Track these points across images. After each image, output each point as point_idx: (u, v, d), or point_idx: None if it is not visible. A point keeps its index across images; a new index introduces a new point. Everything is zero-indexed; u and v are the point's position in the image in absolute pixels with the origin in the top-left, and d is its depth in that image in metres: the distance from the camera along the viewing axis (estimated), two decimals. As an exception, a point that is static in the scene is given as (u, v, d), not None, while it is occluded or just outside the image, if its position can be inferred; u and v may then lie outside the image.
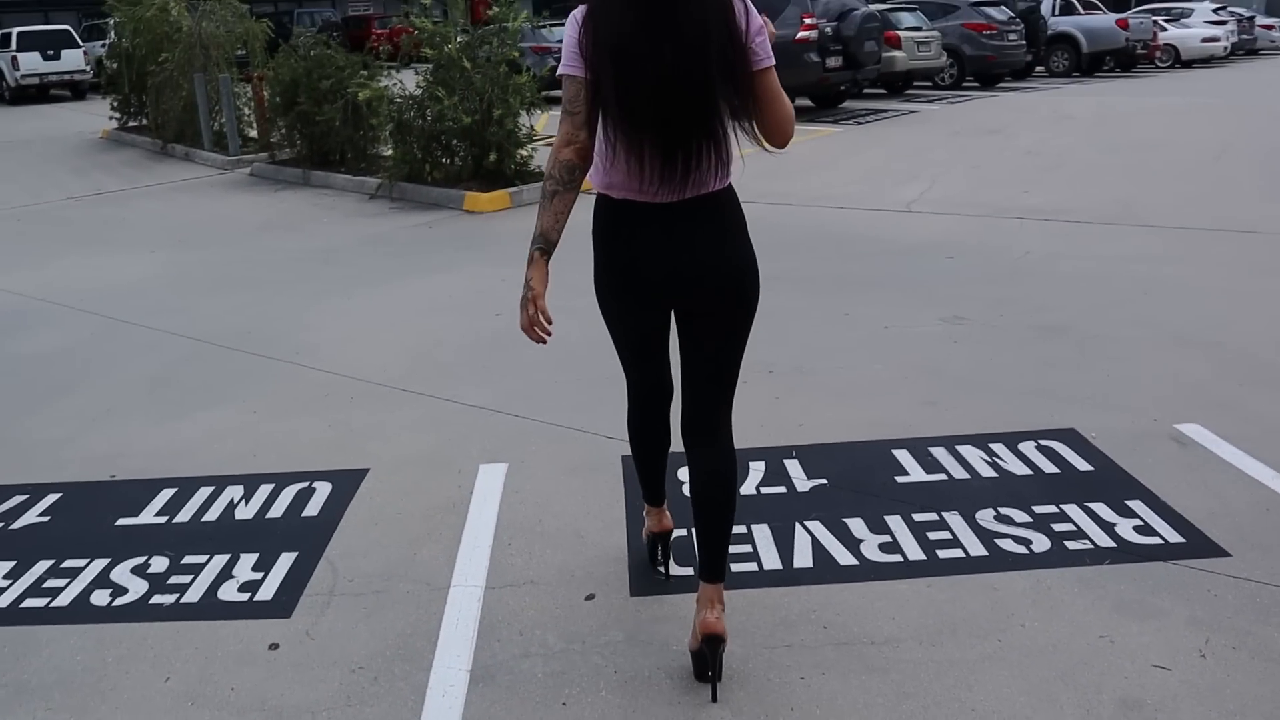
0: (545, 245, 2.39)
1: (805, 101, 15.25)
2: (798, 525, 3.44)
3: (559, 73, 2.30)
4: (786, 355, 5.14)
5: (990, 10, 18.68)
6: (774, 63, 2.30)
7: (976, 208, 8.76)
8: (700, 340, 2.47)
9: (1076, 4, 22.02)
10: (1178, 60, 24.00)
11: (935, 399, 4.57)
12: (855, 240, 7.72)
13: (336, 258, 7.77)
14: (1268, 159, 10.79)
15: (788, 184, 9.79)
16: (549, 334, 2.41)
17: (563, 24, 10.20)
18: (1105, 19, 21.94)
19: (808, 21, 13.90)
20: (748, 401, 4.55)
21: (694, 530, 2.60)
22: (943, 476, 3.77)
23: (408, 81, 10.35)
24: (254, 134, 13.16)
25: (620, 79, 2.20)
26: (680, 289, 2.39)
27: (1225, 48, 24.82)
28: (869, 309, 5.97)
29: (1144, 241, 7.50)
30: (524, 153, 9.79)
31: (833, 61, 14.30)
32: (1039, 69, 21.20)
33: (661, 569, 3.07)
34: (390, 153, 10.22)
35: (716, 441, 2.53)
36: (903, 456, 3.94)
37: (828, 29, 14.10)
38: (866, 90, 16.85)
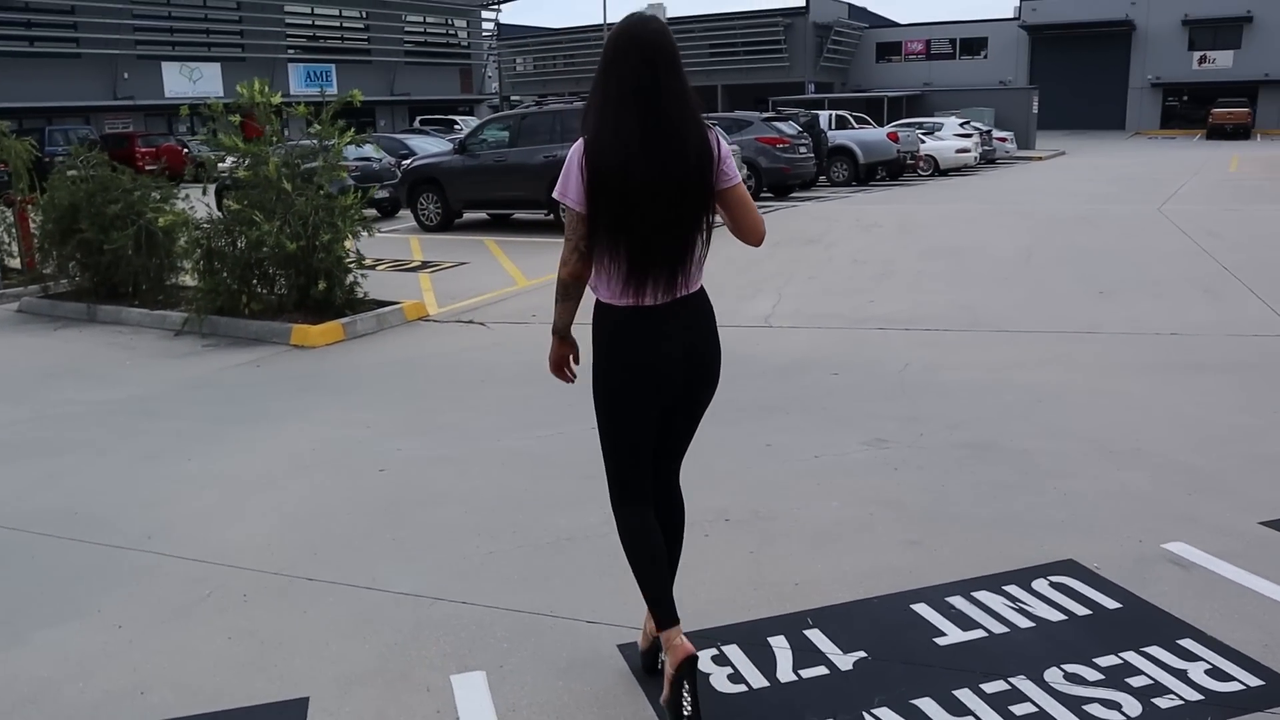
0: (558, 330, 2.89)
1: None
2: (866, 716, 2.91)
3: (555, 196, 2.66)
4: (733, 498, 4.68)
5: (781, 125, 19.52)
6: (740, 179, 2.76)
7: (832, 319, 8.73)
8: (675, 420, 2.90)
9: (850, 119, 23.51)
10: (936, 169, 26.00)
11: (914, 538, 4.21)
12: (729, 360, 7.39)
13: (157, 409, 6.67)
14: (1071, 260, 11.51)
15: (638, 302, 9.48)
16: (574, 375, 2.97)
17: (355, 142, 9.70)
18: (878, 133, 23.54)
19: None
20: (723, 558, 4.05)
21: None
22: (982, 633, 3.39)
23: (198, 204, 9.41)
24: (15, 264, 11.58)
25: (623, 207, 2.56)
26: (681, 378, 2.76)
27: (975, 157, 27.24)
28: (786, 437, 5.62)
29: (1006, 348, 7.63)
30: (353, 280, 8.99)
31: (647, 177, 14.31)
32: (821, 179, 22.33)
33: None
34: (197, 283, 9.14)
35: (677, 491, 3.12)
36: (926, 612, 3.53)
37: (640, 145, 14.14)
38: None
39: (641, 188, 2.56)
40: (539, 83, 63.09)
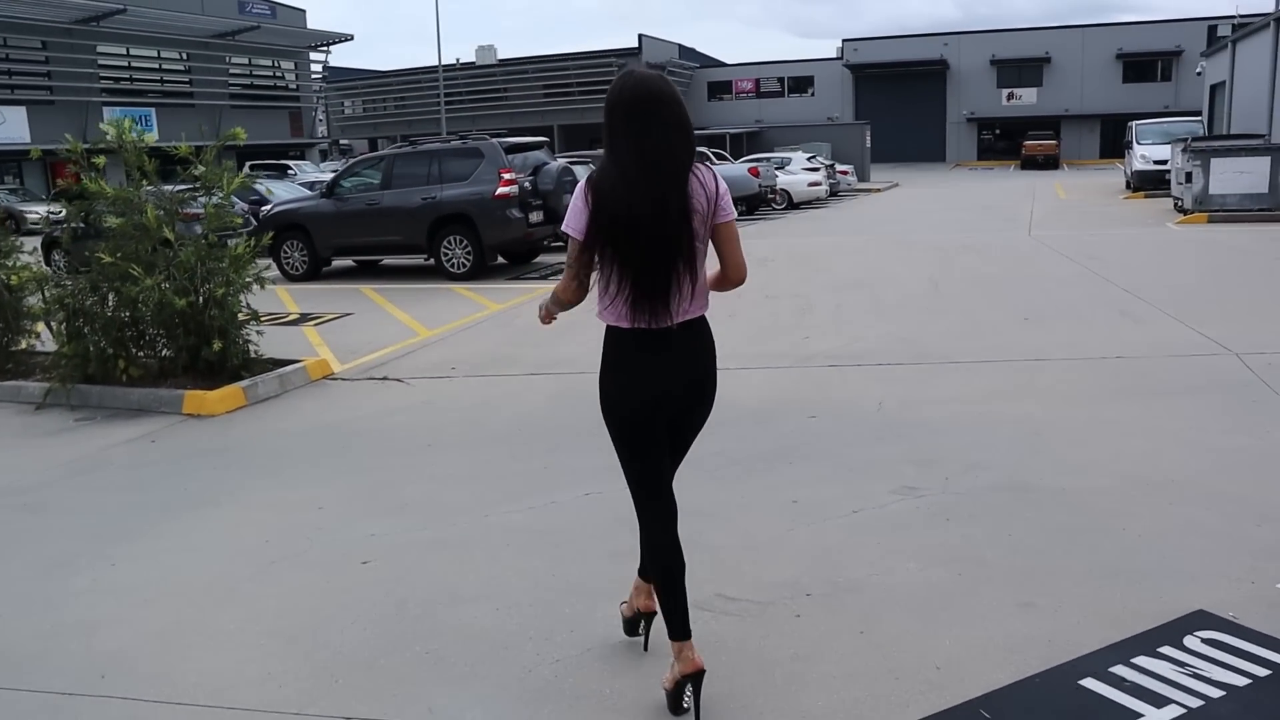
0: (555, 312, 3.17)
1: (503, 260, 14.46)
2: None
3: (564, 229, 2.86)
4: (799, 569, 4.14)
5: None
6: (734, 216, 2.96)
7: (776, 359, 8.31)
8: (677, 438, 3.12)
9: (710, 155, 23.53)
10: (790, 203, 26.37)
11: (1024, 599, 3.76)
12: (699, 405, 6.87)
13: (43, 501, 5.56)
14: (979, 288, 11.56)
15: (568, 349, 8.82)
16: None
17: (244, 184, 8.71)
18: (739, 168, 23.66)
19: (506, 176, 13.23)
20: (836, 644, 3.46)
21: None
22: (1179, 709, 2.98)
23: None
24: None
25: (626, 238, 2.75)
26: (682, 395, 2.96)
27: (825, 190, 27.82)
28: (807, 491, 5.12)
29: (966, 380, 7.38)
30: (250, 337, 7.99)
31: (535, 216, 13.69)
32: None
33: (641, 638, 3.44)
34: (59, 348, 7.92)
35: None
36: (1102, 689, 3.09)
37: (526, 183, 13.51)
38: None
39: (643, 220, 2.75)
40: (369, 125, 61.41)
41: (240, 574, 4.31)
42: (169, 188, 8.16)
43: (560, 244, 15.08)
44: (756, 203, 24.13)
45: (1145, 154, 25.83)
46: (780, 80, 59.35)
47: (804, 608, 3.76)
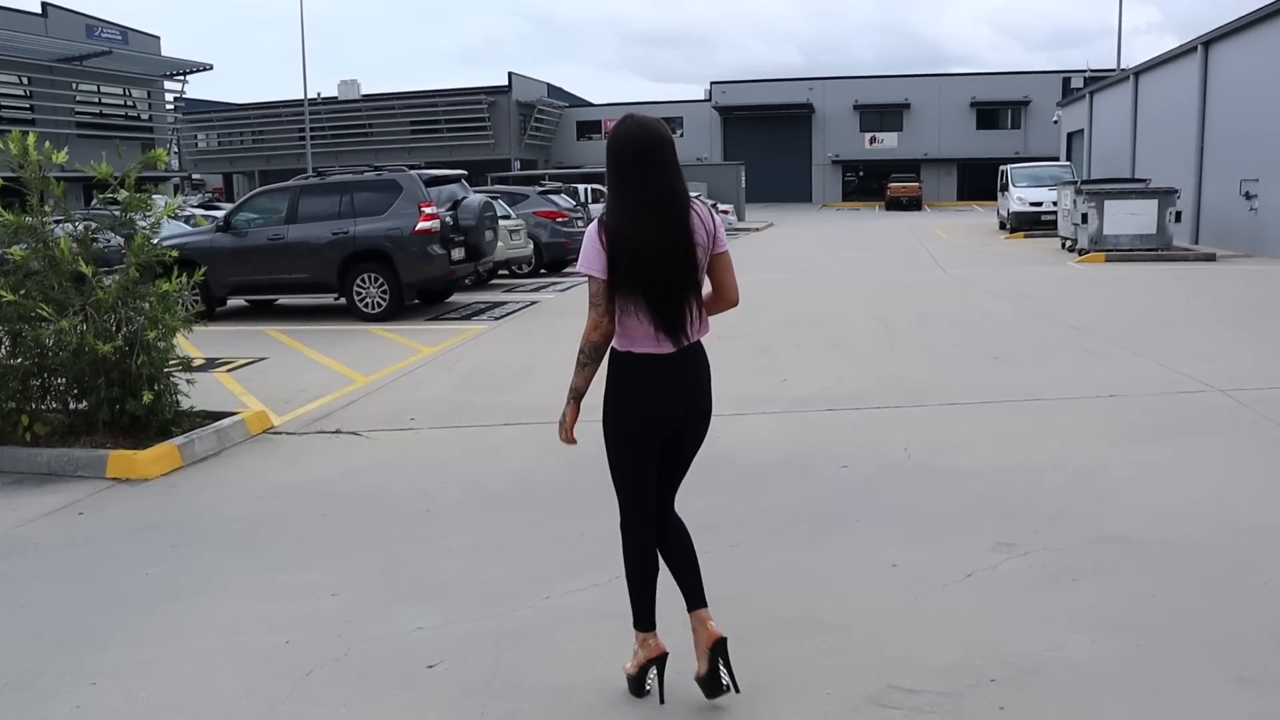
0: (577, 396, 3.14)
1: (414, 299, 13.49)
2: None
3: (580, 270, 3.05)
4: (954, 649, 3.59)
5: (556, 198, 18.61)
6: (728, 247, 3.19)
7: (765, 403, 7.78)
8: (678, 454, 3.26)
9: (580, 191, 22.99)
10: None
11: (1234, 672, 3.31)
12: (713, 461, 6.23)
13: (-38, 598, 4.47)
14: (932, 327, 11.37)
15: (531, 397, 8.08)
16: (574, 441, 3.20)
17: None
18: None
19: (427, 211, 12.34)
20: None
21: (679, 578, 3.25)
22: None
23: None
24: None
25: (643, 272, 2.96)
26: (687, 415, 3.17)
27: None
28: (895, 552, 4.59)
29: (976, 422, 7.06)
30: (180, 387, 6.94)
31: (456, 253, 12.83)
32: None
33: (655, 690, 3.26)
34: None
35: (675, 515, 3.35)
36: None
37: (447, 218, 12.66)
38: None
39: (653, 257, 2.95)
40: (224, 160, 58.72)
41: (273, 691, 3.41)
42: (79, 214, 7.08)
43: (469, 284, 14.23)
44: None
45: (1021, 196, 26.77)
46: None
47: (1000, 697, 3.19)
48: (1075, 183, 20.03)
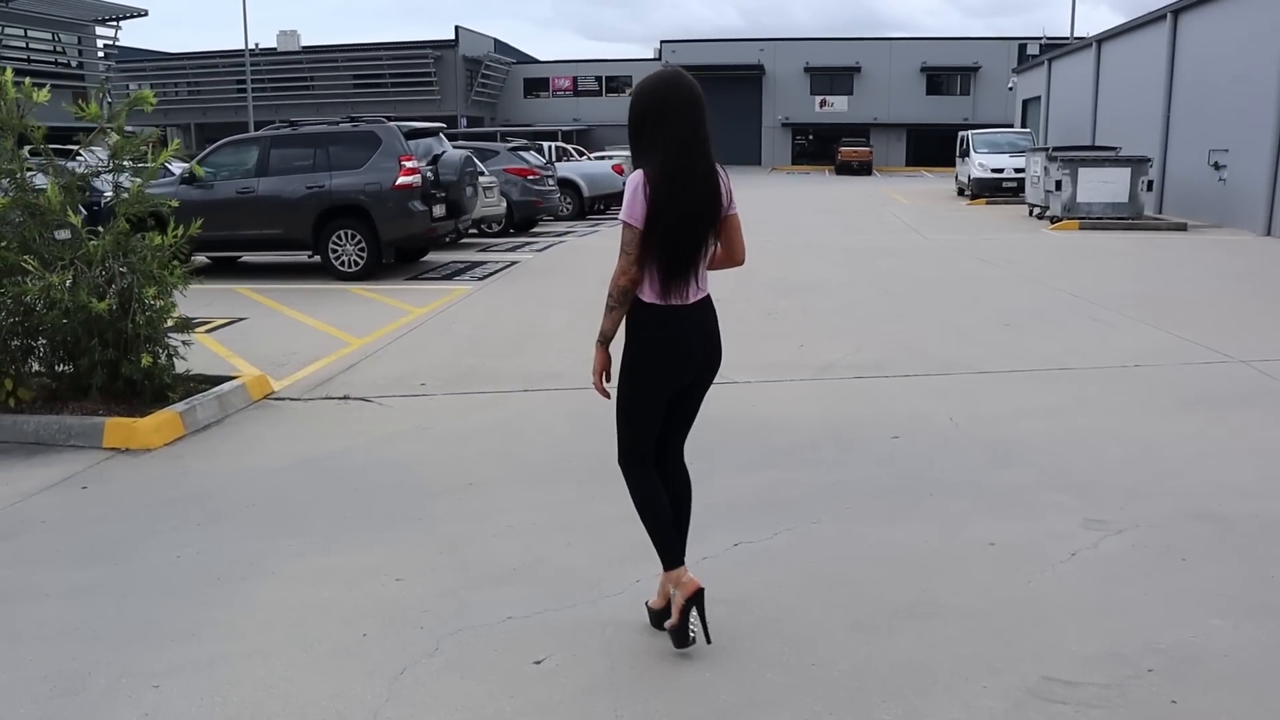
0: (605, 340, 3.19)
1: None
2: None
3: (623, 218, 3.05)
4: (1097, 634, 3.39)
5: (527, 155, 18.05)
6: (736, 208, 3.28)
7: (789, 369, 7.53)
8: (688, 401, 3.35)
9: (571, 150, 22.46)
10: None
11: None
12: (757, 430, 5.97)
13: (-26, 584, 4.01)
14: (932, 293, 11.20)
15: (544, 361, 7.72)
16: (608, 394, 3.26)
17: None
18: (602, 165, 22.69)
19: (408, 165, 11.78)
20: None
21: (648, 530, 3.29)
22: None
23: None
24: None
25: (676, 226, 3.04)
26: (704, 363, 3.27)
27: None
28: (984, 529, 4.38)
29: (1010, 391, 6.92)
30: (178, 347, 6.45)
31: (438, 210, 12.30)
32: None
33: (699, 633, 3.24)
34: None
35: (685, 467, 3.46)
36: None
37: (427, 173, 12.11)
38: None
39: (688, 213, 3.05)
40: (158, 112, 56.48)
41: (368, 695, 3.05)
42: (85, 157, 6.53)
43: (449, 242, 13.71)
44: (619, 201, 23.32)
45: (983, 162, 26.80)
46: (598, 79, 58.84)
47: (1167, 689, 3.00)
48: (1046, 149, 20.00)
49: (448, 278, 12.56)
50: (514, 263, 14.00)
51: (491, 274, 12.83)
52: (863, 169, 48.39)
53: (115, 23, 39.81)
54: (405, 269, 13.13)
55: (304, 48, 55.03)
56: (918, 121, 54.62)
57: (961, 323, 9.31)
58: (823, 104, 55.08)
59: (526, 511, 4.64)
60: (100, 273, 6.04)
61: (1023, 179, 25.54)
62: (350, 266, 12.04)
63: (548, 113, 57.28)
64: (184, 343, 6.53)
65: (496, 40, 58.52)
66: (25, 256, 5.98)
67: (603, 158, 26.46)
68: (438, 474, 5.25)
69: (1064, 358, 7.79)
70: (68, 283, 5.88)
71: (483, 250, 15.60)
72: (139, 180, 6.39)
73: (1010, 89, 38.67)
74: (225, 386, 6.60)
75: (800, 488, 4.94)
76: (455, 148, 14.11)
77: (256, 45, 53.58)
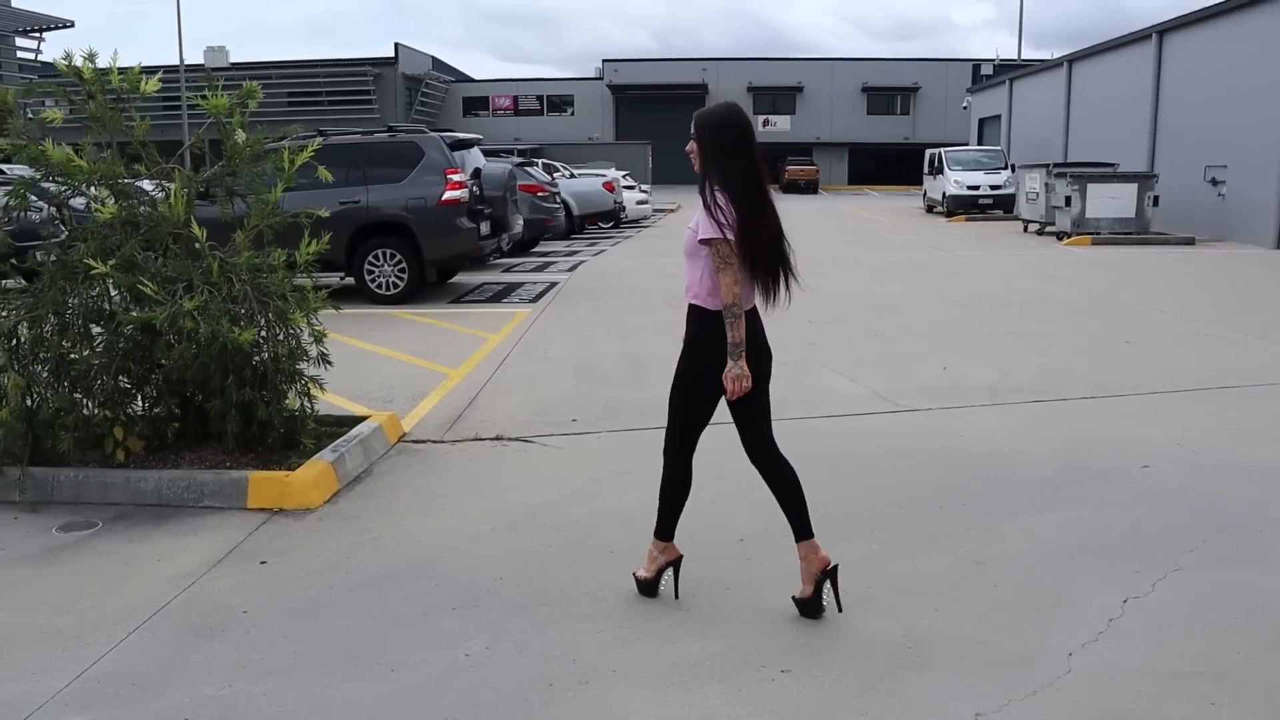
0: (741, 349, 3.35)
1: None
2: None
3: (712, 238, 3.31)
4: None
5: (533, 171, 17.18)
6: None
7: (954, 394, 6.90)
8: (765, 396, 3.57)
9: (559, 168, 21.63)
10: (617, 222, 24.72)
11: None
12: (1007, 464, 5.31)
13: (207, 708, 3.07)
14: (1019, 310, 10.71)
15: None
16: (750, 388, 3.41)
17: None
18: (593, 183, 21.89)
19: (454, 179, 10.85)
20: None
21: (787, 510, 3.55)
22: None
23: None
24: None
25: (757, 239, 3.36)
26: (768, 359, 3.57)
27: (651, 209, 26.87)
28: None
29: (1198, 413, 6.51)
30: (316, 384, 5.49)
31: (484, 227, 11.39)
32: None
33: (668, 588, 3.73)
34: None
35: (781, 454, 3.63)
36: None
37: (473, 188, 11.20)
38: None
39: (772, 230, 3.43)
40: (76, 130, 53.89)
41: None
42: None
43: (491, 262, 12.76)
44: (610, 219, 22.53)
45: (958, 179, 26.76)
46: (539, 98, 58.03)
47: None
48: (1046, 166, 19.87)
49: (493, 300, 11.61)
50: (552, 283, 13.08)
51: (537, 296, 11.91)
52: (809, 188, 48.42)
53: (38, 34, 37.64)
54: (442, 291, 12.14)
55: (233, 64, 53.05)
56: (858, 140, 55.05)
57: (1081, 341, 8.80)
58: (766, 123, 55.05)
59: (875, 564, 3.85)
60: (238, 297, 5.07)
61: (998, 196, 25.58)
62: (388, 289, 11.04)
63: (487, 132, 55.95)
64: (318, 381, 5.54)
65: (435, 59, 57.33)
66: (142, 279, 4.99)
67: (593, 175, 25.63)
68: (696, 526, 4.41)
69: (1217, 375, 7.39)
70: (207, 309, 4.89)
71: (506, 270, 14.67)
72: (275, 187, 5.44)
73: (965, 108, 39.04)
74: (363, 429, 5.65)
75: (1114, 528, 4.39)
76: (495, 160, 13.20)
77: (182, 61, 51.59)
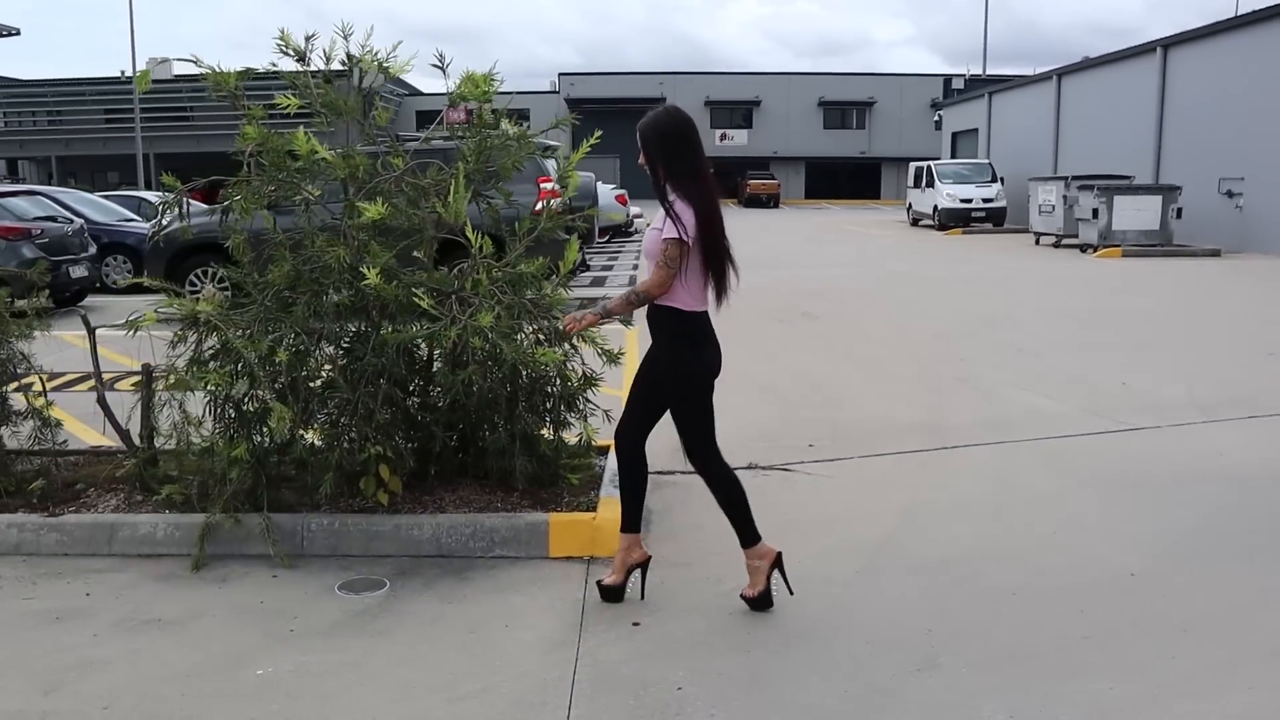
0: (606, 314, 3.74)
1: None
2: None
3: (671, 238, 3.43)
4: None
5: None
6: None
7: (1165, 412, 6.61)
8: (708, 399, 3.71)
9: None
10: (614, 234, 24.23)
11: None
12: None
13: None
14: (1111, 323, 10.50)
15: (901, 409, 6.53)
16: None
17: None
18: (607, 196, 21.40)
19: (547, 187, 10.26)
20: None
21: (732, 517, 3.74)
22: None
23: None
24: None
25: (718, 242, 3.52)
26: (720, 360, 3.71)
27: (645, 223, 26.37)
28: None
29: None
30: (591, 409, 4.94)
31: (571, 240, 10.81)
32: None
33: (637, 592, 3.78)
34: (210, 448, 4.43)
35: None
36: None
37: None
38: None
39: (721, 229, 3.55)
40: (13, 142, 51.77)
41: None
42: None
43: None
44: (622, 231, 22.06)
45: (951, 192, 26.85)
46: (494, 112, 56.95)
47: None
48: (1065, 178, 19.95)
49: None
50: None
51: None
52: (771, 202, 48.45)
53: (-19, 42, 35.83)
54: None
55: (177, 76, 51.34)
56: (815, 155, 55.38)
57: (1223, 353, 8.66)
58: (723, 137, 55.11)
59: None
60: (516, 311, 4.51)
61: (990, 208, 25.73)
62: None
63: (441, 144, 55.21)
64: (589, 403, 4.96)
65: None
66: (416, 290, 4.42)
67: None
68: (1074, 564, 3.98)
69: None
70: (499, 322, 4.32)
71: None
72: (566, 190, 4.93)
73: (936, 122, 39.42)
74: (612, 461, 5.09)
75: None
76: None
77: (122, 73, 49.96)
